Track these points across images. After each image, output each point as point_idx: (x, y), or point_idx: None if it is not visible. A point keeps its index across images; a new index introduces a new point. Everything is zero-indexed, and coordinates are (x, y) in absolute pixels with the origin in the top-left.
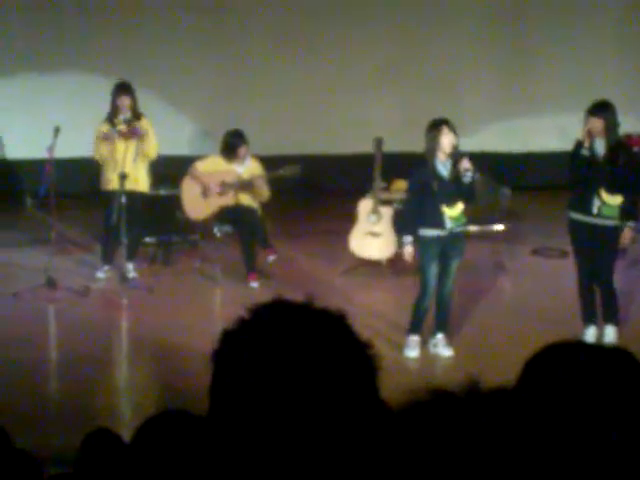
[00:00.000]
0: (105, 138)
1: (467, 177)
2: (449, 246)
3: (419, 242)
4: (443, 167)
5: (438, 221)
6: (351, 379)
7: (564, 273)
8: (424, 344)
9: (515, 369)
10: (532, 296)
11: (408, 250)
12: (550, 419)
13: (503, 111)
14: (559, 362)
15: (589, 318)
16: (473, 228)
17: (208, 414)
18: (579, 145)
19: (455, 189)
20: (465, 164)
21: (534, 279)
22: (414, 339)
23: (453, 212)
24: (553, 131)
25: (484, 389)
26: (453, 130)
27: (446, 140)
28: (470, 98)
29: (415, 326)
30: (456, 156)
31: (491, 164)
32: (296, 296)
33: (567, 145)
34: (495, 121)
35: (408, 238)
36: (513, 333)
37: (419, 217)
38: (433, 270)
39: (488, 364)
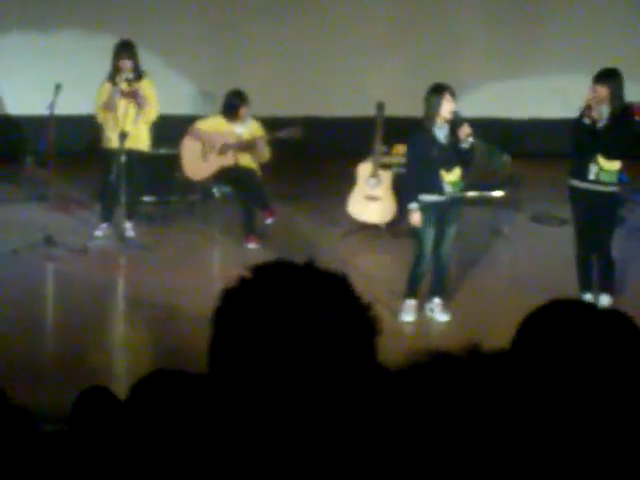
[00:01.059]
0: (106, 108)
1: (467, 142)
2: (447, 211)
3: (419, 207)
4: (440, 132)
5: (437, 186)
6: (351, 340)
7: (563, 241)
8: (420, 309)
9: (511, 335)
10: (530, 263)
11: (415, 216)
12: (548, 375)
13: (506, 77)
14: (556, 318)
15: (585, 286)
16: (472, 194)
17: (208, 372)
18: (583, 113)
19: (454, 154)
20: (466, 129)
21: (532, 246)
22: (410, 303)
23: (451, 177)
24: (556, 98)
25: (484, 351)
26: (454, 96)
27: (447, 106)
28: (473, 64)
29: (411, 290)
30: (456, 121)
31: (492, 130)
32: (294, 259)
33: (570, 113)
34: (497, 87)
35: (414, 204)
36: (510, 300)
37: (418, 183)
38: (430, 235)
39: (484, 330)
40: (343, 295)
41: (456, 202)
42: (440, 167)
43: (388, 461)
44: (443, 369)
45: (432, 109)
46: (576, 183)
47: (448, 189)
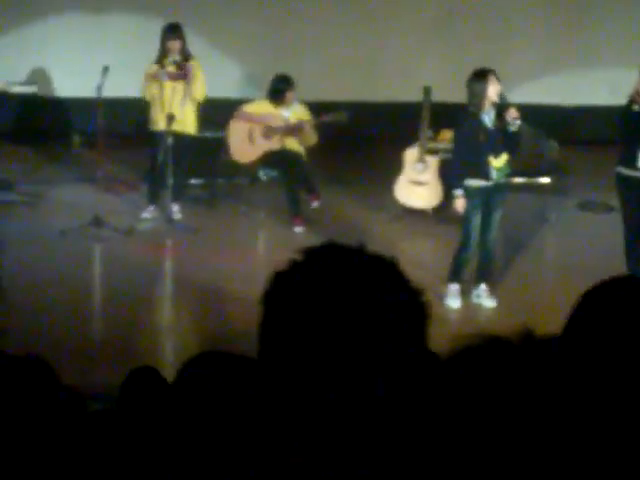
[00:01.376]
0: (155, 77)
1: (515, 125)
2: (492, 197)
3: (465, 192)
4: (487, 117)
5: (484, 172)
6: (402, 325)
7: (610, 228)
8: (466, 295)
9: (557, 323)
10: (577, 250)
11: (460, 202)
12: (605, 357)
13: (555, 63)
14: (617, 294)
15: (635, 273)
16: (519, 180)
17: (257, 355)
18: (631, 101)
19: (500, 139)
20: (513, 113)
21: (579, 233)
22: (454, 288)
23: (498, 163)
24: (605, 85)
25: (538, 337)
26: (499, 79)
27: (494, 89)
28: (521, 50)
29: (455, 275)
30: (503, 105)
31: (540, 117)
32: (342, 242)
33: (618, 100)
34: (546, 73)
35: (459, 191)
36: (556, 287)
37: (465, 168)
38: (476, 221)
39: (531, 316)
40: (395, 279)
41: (502, 188)
42: (488, 152)
43: (438, 446)
44: (496, 353)
45: (478, 94)
46: (624, 171)
47: (494, 174)
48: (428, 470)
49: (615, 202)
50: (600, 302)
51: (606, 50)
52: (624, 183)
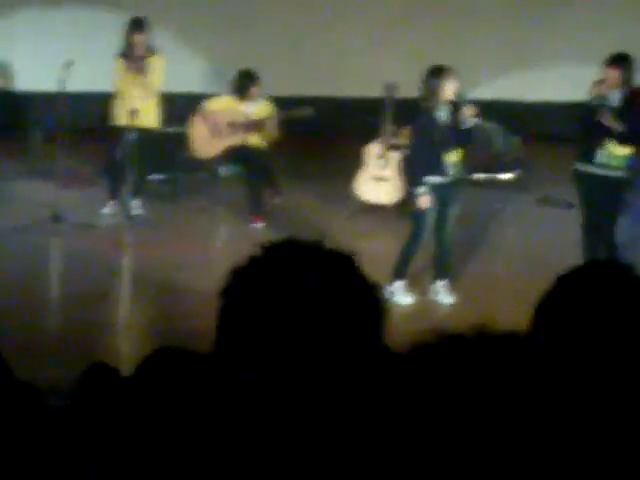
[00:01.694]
0: (121, 71)
1: (471, 122)
2: (448, 193)
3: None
4: (442, 114)
5: (441, 168)
6: (358, 320)
7: (569, 224)
8: (421, 291)
9: (516, 317)
10: (536, 245)
11: (424, 199)
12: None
13: (518, 59)
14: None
15: None
16: (481, 175)
17: (214, 350)
18: (592, 96)
19: (455, 135)
20: (471, 110)
21: (539, 229)
22: (401, 284)
23: (453, 158)
24: (567, 81)
25: (493, 332)
26: (455, 77)
27: (450, 87)
28: (484, 45)
29: (402, 271)
30: (460, 102)
31: (502, 112)
32: (301, 238)
33: (580, 96)
34: (509, 69)
35: (422, 188)
36: (515, 282)
37: (423, 165)
38: (430, 217)
39: (490, 312)
40: (351, 275)
41: (457, 183)
42: (443, 149)
43: (393, 444)
44: (451, 350)
45: (434, 91)
46: (582, 166)
47: (450, 170)
48: (380, 466)
49: (575, 198)
50: (575, 285)
51: (569, 46)
52: (582, 178)
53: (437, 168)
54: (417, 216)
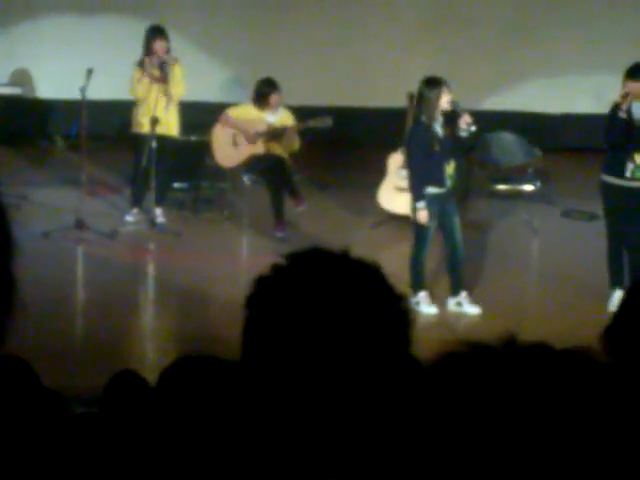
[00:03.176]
0: (142, 79)
1: (467, 131)
2: (447, 203)
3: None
4: (438, 125)
5: (440, 179)
6: (385, 330)
7: (593, 236)
8: (444, 304)
9: (540, 330)
10: (560, 258)
11: (423, 214)
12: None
13: (538, 70)
14: None
15: (616, 282)
16: (502, 187)
17: (239, 359)
18: (616, 108)
19: (451, 145)
20: (467, 118)
21: (563, 241)
22: (425, 294)
23: (450, 169)
24: (589, 93)
25: (522, 343)
26: (449, 87)
27: (446, 98)
28: (505, 56)
29: (420, 282)
30: (456, 111)
31: (525, 124)
32: (326, 247)
33: (602, 108)
34: (530, 81)
35: (422, 203)
36: (539, 294)
37: (424, 178)
38: (432, 226)
39: (515, 323)
40: (378, 285)
41: (452, 193)
42: (442, 161)
43: (419, 453)
44: (481, 360)
45: (431, 102)
46: (610, 179)
47: (448, 182)
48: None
49: (598, 209)
50: None
51: (591, 57)
52: (609, 191)
53: (437, 180)
54: (418, 226)
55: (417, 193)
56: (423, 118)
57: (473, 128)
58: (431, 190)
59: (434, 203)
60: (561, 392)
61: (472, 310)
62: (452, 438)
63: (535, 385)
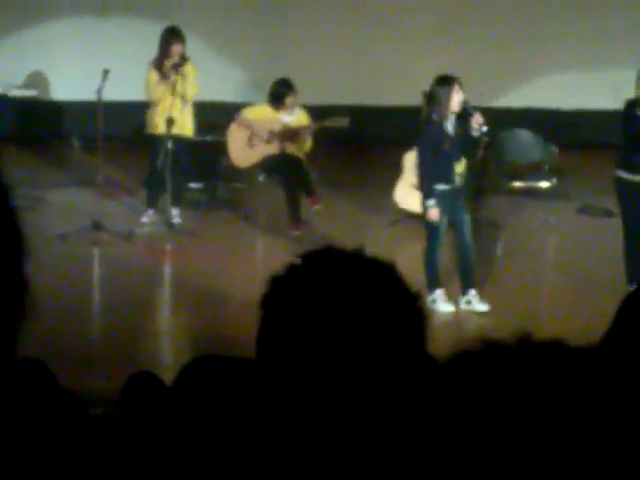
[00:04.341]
0: (159, 80)
1: (479, 131)
2: (456, 201)
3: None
4: (449, 124)
5: (448, 177)
6: (402, 328)
7: (609, 232)
8: (454, 303)
9: (556, 326)
10: (576, 255)
11: (434, 212)
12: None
13: (555, 66)
14: None
15: (632, 279)
16: (518, 184)
17: (256, 359)
18: (632, 104)
19: (461, 144)
20: (479, 118)
21: (579, 238)
22: (440, 292)
23: (460, 168)
24: (605, 89)
25: (537, 341)
26: (462, 86)
27: (457, 97)
28: (521, 53)
29: (435, 281)
30: (467, 111)
31: (540, 120)
32: (341, 246)
33: (618, 104)
34: (546, 77)
35: (431, 201)
36: (556, 291)
37: (432, 176)
38: (443, 222)
39: (531, 321)
40: (393, 284)
41: (461, 191)
42: (452, 159)
43: (435, 450)
44: (497, 358)
45: (442, 101)
46: (626, 175)
47: (457, 180)
48: (425, 475)
49: (615, 206)
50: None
51: (607, 53)
52: (626, 188)
53: (445, 177)
54: (429, 225)
55: (427, 191)
56: (434, 116)
57: (484, 128)
58: (439, 187)
59: (443, 200)
60: (577, 390)
61: (481, 307)
62: (468, 435)
63: (551, 383)
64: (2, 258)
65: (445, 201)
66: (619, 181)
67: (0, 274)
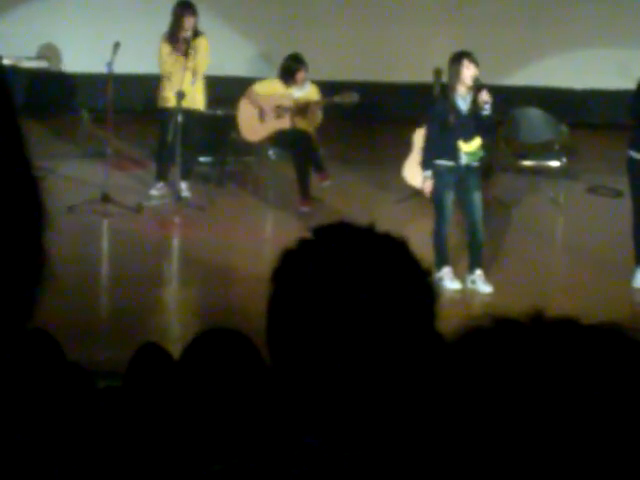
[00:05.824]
0: (170, 53)
1: (485, 110)
2: (466, 180)
3: (434, 171)
4: (463, 101)
5: (453, 155)
6: (412, 304)
7: (619, 213)
8: (462, 281)
9: (564, 306)
10: (585, 234)
11: (428, 184)
12: None
13: (566, 45)
14: None
15: None
16: (528, 163)
17: (266, 333)
18: None
19: (473, 123)
20: (484, 96)
21: (588, 217)
22: (448, 270)
23: (469, 147)
24: (616, 68)
25: (549, 318)
26: (475, 62)
27: (467, 72)
28: (531, 32)
29: (443, 257)
30: (476, 88)
31: (551, 100)
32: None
33: (629, 84)
34: (557, 56)
35: (427, 172)
36: (564, 271)
37: (434, 149)
38: (448, 198)
39: (539, 300)
40: (404, 259)
41: (474, 170)
42: (458, 136)
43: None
44: (505, 335)
45: (452, 76)
46: (637, 155)
47: (464, 159)
48: (435, 455)
49: (624, 186)
50: None
51: (618, 33)
52: (636, 168)
53: (449, 153)
54: (435, 199)
55: (425, 162)
56: (446, 90)
57: (487, 106)
58: (442, 162)
59: (447, 175)
60: (591, 368)
61: (484, 289)
62: (477, 414)
63: (563, 361)
64: (23, 228)
65: (450, 177)
66: (630, 161)
67: (21, 244)
